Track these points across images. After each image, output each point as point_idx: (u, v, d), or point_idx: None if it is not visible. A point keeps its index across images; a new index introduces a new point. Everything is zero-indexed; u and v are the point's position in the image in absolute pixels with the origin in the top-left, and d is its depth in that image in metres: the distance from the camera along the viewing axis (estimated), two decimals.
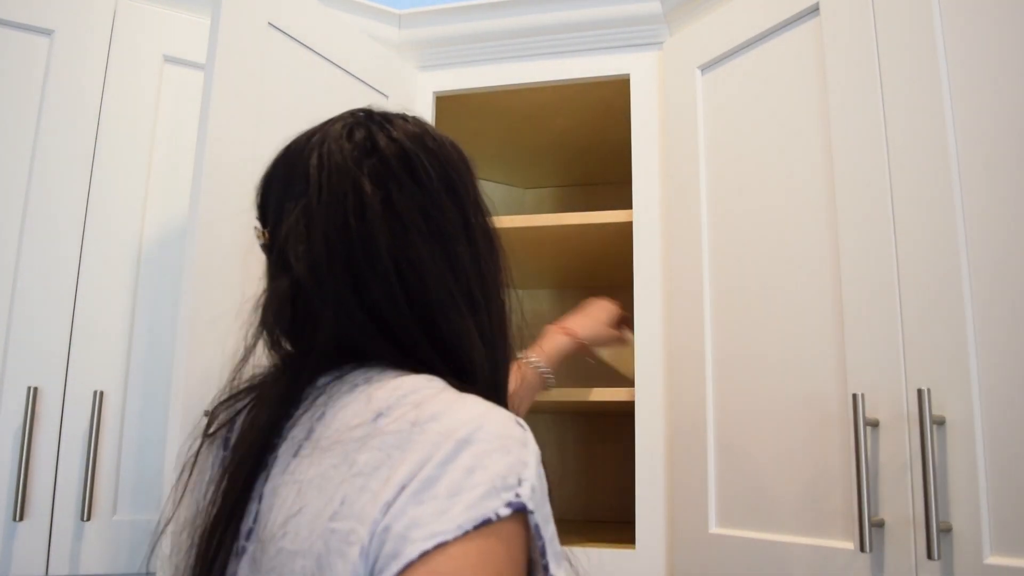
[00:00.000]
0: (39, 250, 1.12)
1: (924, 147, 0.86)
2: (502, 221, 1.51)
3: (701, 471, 1.10)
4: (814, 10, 1.03)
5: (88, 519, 1.09)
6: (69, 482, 1.09)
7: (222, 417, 0.66)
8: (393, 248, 0.60)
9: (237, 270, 1.02)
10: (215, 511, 0.59)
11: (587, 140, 1.66)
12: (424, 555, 0.47)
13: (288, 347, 0.65)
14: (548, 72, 1.37)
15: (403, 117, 0.68)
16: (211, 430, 0.66)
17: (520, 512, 0.50)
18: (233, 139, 1.02)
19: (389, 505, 0.49)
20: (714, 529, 1.08)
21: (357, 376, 0.60)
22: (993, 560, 0.75)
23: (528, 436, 0.54)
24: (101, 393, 1.11)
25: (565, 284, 1.86)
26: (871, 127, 0.92)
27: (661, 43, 1.32)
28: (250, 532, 0.57)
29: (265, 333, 0.64)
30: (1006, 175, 0.80)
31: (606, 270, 1.67)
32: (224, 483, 0.60)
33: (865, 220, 0.92)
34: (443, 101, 1.43)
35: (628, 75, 1.33)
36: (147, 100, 1.22)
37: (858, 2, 0.96)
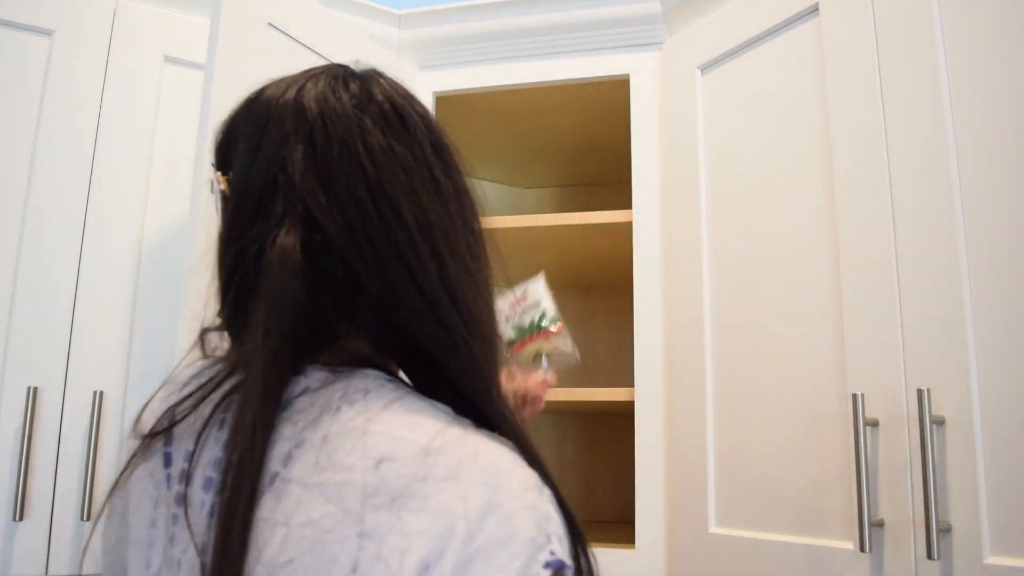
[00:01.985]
0: (39, 250, 1.12)
1: (924, 147, 0.87)
2: (502, 221, 1.51)
3: (701, 471, 1.10)
4: (813, 10, 1.03)
5: (88, 519, 1.09)
6: (69, 482, 1.09)
7: (162, 421, 0.54)
8: (410, 205, 0.54)
9: None
10: (218, 543, 0.46)
11: (587, 140, 1.66)
12: None
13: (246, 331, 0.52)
14: (548, 72, 1.37)
15: (383, 75, 0.63)
16: (148, 433, 0.54)
17: (559, 570, 0.46)
18: None
19: None
20: (714, 529, 1.08)
21: (347, 389, 0.51)
22: (992, 560, 0.75)
23: (539, 479, 0.49)
24: (101, 393, 1.12)
25: (565, 284, 1.86)
26: (871, 127, 0.93)
27: (661, 43, 1.32)
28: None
29: (228, 309, 0.55)
30: (1006, 174, 0.80)
31: (606, 270, 1.67)
32: (222, 510, 0.47)
33: (865, 220, 0.92)
34: (443, 101, 1.43)
35: (628, 75, 1.33)
36: (147, 100, 1.23)
37: (857, 2, 0.96)
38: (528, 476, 0.49)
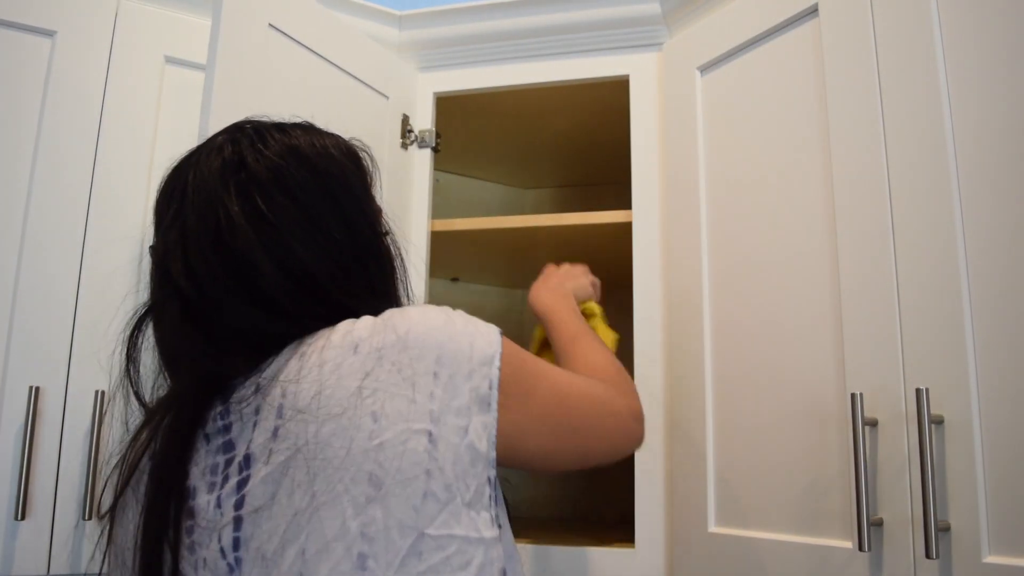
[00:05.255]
0: (41, 250, 1.13)
1: (923, 147, 0.87)
2: (502, 221, 1.51)
3: (700, 471, 1.11)
4: (813, 11, 1.03)
5: (90, 518, 1.09)
6: (71, 481, 1.10)
7: (131, 458, 0.65)
8: (272, 253, 0.64)
9: None
10: (139, 550, 0.58)
11: (587, 140, 1.66)
12: None
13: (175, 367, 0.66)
14: (548, 73, 1.38)
15: (281, 128, 0.70)
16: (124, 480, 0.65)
17: None
18: None
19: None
20: (713, 528, 1.08)
21: (278, 367, 0.61)
22: (991, 559, 0.76)
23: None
24: (102, 392, 1.12)
25: None
26: (870, 127, 0.93)
27: (660, 44, 1.32)
28: (236, 542, 0.57)
29: (160, 355, 0.67)
30: (1005, 174, 0.80)
31: (606, 270, 1.67)
32: (145, 507, 0.59)
33: (863, 220, 0.92)
34: (443, 102, 1.44)
35: (628, 76, 1.33)
36: (148, 101, 1.23)
37: (857, 3, 0.96)
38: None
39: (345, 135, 0.76)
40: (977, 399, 0.79)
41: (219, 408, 0.61)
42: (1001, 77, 0.82)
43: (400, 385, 0.57)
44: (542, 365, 0.70)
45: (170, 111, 1.25)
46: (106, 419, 1.13)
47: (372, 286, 0.69)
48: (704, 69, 1.21)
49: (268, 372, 0.61)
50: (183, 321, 0.63)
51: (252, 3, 1.07)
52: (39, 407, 1.09)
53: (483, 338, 0.63)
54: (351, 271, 0.67)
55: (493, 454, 0.60)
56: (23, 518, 1.05)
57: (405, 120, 1.38)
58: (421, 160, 1.39)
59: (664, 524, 1.17)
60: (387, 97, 1.33)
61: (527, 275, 1.79)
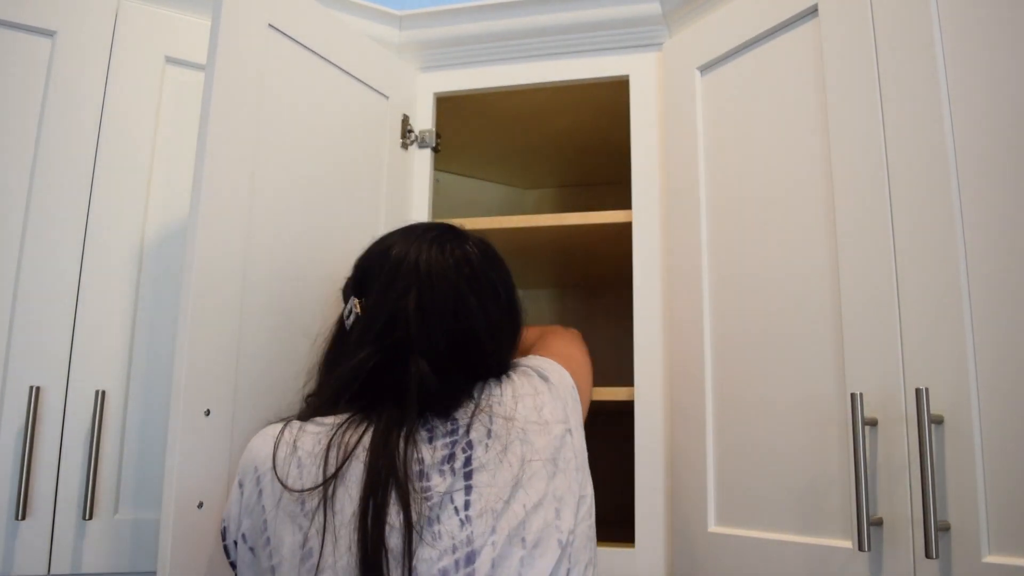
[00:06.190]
0: (41, 250, 1.13)
1: (922, 147, 0.87)
2: (502, 221, 1.51)
3: (700, 470, 1.11)
4: (813, 11, 1.03)
5: (90, 518, 1.09)
6: (71, 481, 1.10)
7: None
8: (481, 323, 0.90)
9: (237, 270, 1.03)
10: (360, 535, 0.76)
11: (587, 140, 1.66)
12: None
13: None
14: (548, 73, 1.38)
15: (464, 230, 0.96)
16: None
17: None
18: (233, 140, 1.03)
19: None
20: (713, 528, 1.08)
21: (485, 396, 0.89)
22: (991, 559, 0.76)
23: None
24: (103, 392, 1.12)
25: (565, 284, 1.87)
26: (869, 127, 0.93)
27: (660, 44, 1.32)
28: (467, 503, 0.79)
29: (353, 383, 0.88)
30: (1004, 174, 0.80)
31: (606, 270, 1.67)
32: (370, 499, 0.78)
33: (863, 219, 0.92)
34: (443, 102, 1.44)
35: (628, 76, 1.33)
36: (148, 101, 1.23)
37: (856, 3, 0.96)
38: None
39: (345, 135, 0.92)
40: (977, 399, 0.79)
41: (439, 421, 0.85)
42: (1001, 77, 0.82)
43: (552, 400, 0.90)
44: (570, 363, 1.01)
45: (170, 111, 1.25)
46: (106, 419, 1.13)
47: (517, 342, 0.97)
48: (704, 69, 1.22)
49: (479, 399, 0.87)
50: (425, 371, 0.85)
51: (252, 3, 1.07)
52: (39, 407, 1.09)
53: (557, 367, 0.96)
54: (515, 333, 0.96)
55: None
56: (23, 518, 1.05)
57: (405, 120, 1.38)
58: (421, 160, 1.39)
59: (664, 524, 1.17)
60: (387, 97, 1.33)
61: (527, 275, 1.80)
